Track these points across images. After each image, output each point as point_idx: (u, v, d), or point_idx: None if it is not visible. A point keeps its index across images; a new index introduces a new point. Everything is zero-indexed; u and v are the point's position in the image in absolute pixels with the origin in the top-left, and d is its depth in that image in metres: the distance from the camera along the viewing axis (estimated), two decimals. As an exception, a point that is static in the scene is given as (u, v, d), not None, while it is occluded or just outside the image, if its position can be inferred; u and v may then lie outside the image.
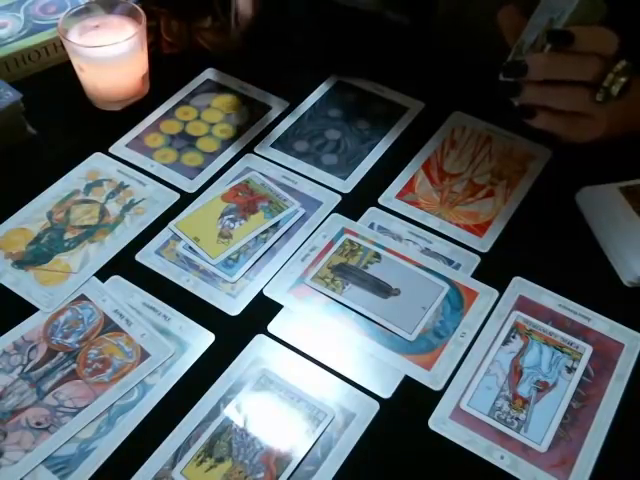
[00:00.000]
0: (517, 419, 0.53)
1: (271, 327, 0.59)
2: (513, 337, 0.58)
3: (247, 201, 0.68)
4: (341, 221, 0.66)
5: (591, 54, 0.57)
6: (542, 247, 0.65)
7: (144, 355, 0.56)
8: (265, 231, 0.65)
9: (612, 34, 0.58)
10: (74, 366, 0.56)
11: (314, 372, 0.56)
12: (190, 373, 0.56)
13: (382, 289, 0.61)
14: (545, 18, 0.59)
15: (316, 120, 0.76)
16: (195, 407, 0.54)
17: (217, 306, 0.60)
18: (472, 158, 0.72)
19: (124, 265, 0.63)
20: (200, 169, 0.71)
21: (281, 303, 0.60)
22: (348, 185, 0.70)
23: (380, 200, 0.68)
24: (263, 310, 0.60)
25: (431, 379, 0.56)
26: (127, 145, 0.73)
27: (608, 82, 0.58)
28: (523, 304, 0.60)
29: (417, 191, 0.69)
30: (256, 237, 0.65)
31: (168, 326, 0.58)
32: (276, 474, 0.50)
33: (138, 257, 0.63)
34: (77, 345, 0.57)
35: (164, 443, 0.52)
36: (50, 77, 0.79)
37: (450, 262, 0.63)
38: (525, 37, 0.61)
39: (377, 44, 0.81)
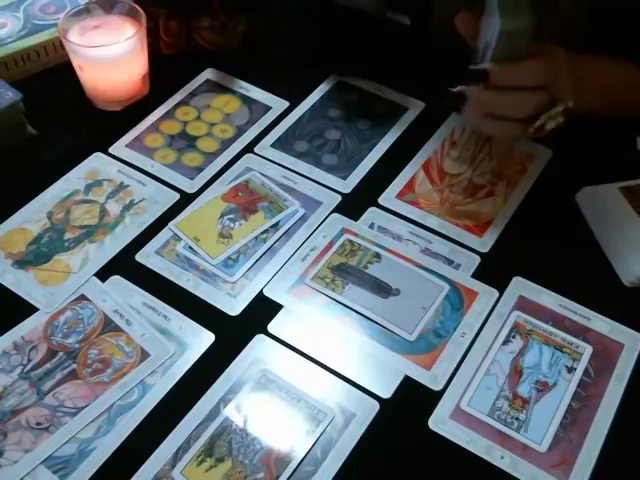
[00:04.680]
0: (517, 419, 0.53)
1: (271, 327, 0.59)
2: (513, 337, 0.58)
3: (247, 201, 0.68)
4: (341, 221, 0.66)
5: (522, 91, 0.58)
6: (542, 247, 0.65)
7: (144, 355, 0.56)
8: (265, 231, 0.65)
9: (536, 65, 0.58)
10: (74, 366, 0.56)
11: (314, 372, 0.56)
12: (190, 373, 0.56)
13: (382, 289, 0.61)
14: (483, 41, 0.59)
15: (316, 120, 0.76)
16: (195, 407, 0.54)
17: (217, 306, 0.60)
18: (472, 158, 0.72)
19: (124, 265, 0.63)
20: (200, 169, 0.71)
21: (281, 303, 0.60)
22: (348, 185, 0.70)
23: (380, 200, 0.68)
24: (263, 310, 0.60)
25: (431, 379, 0.56)
26: (127, 145, 0.73)
27: (540, 122, 0.59)
28: (523, 304, 0.60)
29: (417, 191, 0.69)
30: (256, 237, 0.65)
31: (168, 326, 0.58)
32: (276, 474, 0.50)
33: (138, 257, 0.63)
34: (77, 345, 0.57)
35: (164, 443, 0.52)
36: (50, 77, 0.79)
37: (450, 262, 0.63)
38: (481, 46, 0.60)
39: (378, 44, 0.81)
